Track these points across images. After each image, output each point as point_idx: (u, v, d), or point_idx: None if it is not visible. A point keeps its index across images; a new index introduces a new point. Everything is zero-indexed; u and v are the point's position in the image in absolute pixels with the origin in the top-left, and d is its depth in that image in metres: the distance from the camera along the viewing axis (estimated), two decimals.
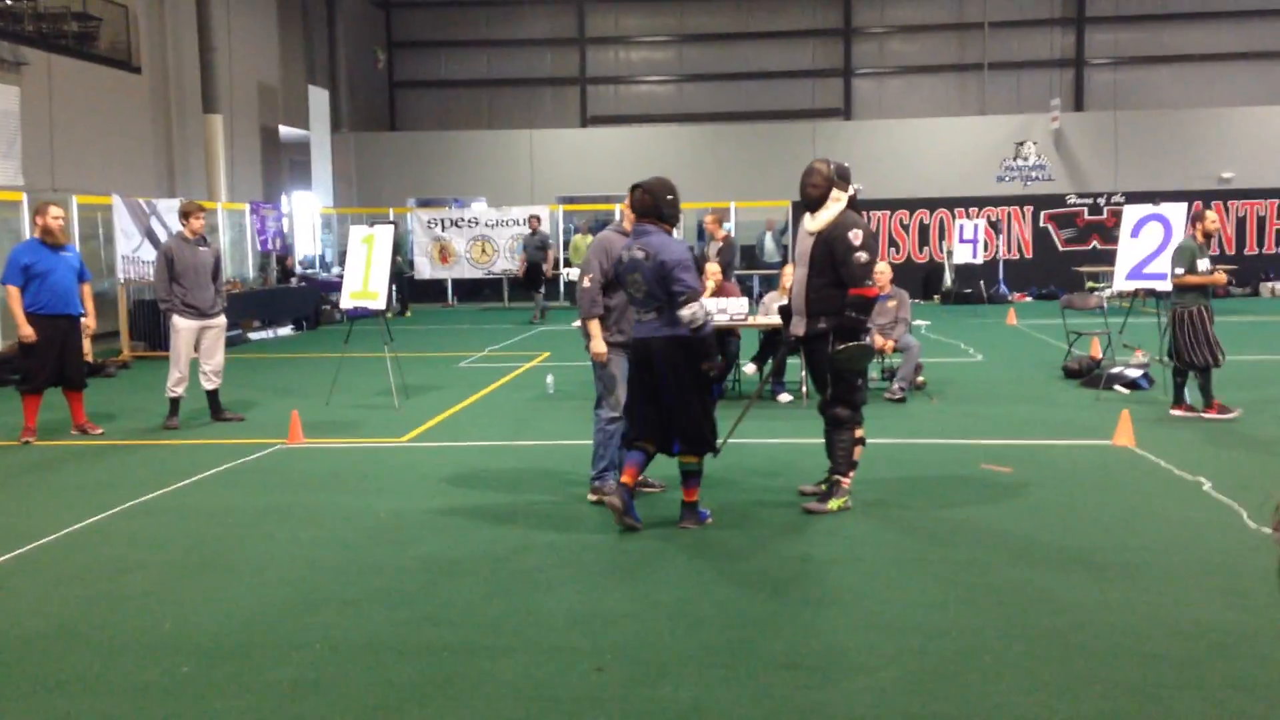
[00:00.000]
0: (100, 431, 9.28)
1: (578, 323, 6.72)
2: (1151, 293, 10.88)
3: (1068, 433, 8.62)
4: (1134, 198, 20.12)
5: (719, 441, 6.15)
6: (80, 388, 9.26)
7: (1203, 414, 9.02)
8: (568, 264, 22.24)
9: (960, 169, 25.70)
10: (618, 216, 7.20)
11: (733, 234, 18.10)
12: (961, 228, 22.18)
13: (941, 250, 23.15)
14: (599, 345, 6.41)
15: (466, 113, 30.29)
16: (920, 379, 10.61)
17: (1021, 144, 25.90)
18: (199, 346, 9.53)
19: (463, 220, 24.15)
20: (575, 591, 5.06)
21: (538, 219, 20.99)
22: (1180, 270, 9.06)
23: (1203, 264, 9.06)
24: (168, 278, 9.40)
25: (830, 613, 4.74)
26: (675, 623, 4.64)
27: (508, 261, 23.18)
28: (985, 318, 18.95)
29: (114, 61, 18.22)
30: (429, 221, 24.08)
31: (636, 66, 30.33)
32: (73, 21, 17.72)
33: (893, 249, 23.25)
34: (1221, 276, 9.62)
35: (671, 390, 5.94)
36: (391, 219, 21.74)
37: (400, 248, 19.26)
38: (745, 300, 10.54)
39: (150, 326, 15.03)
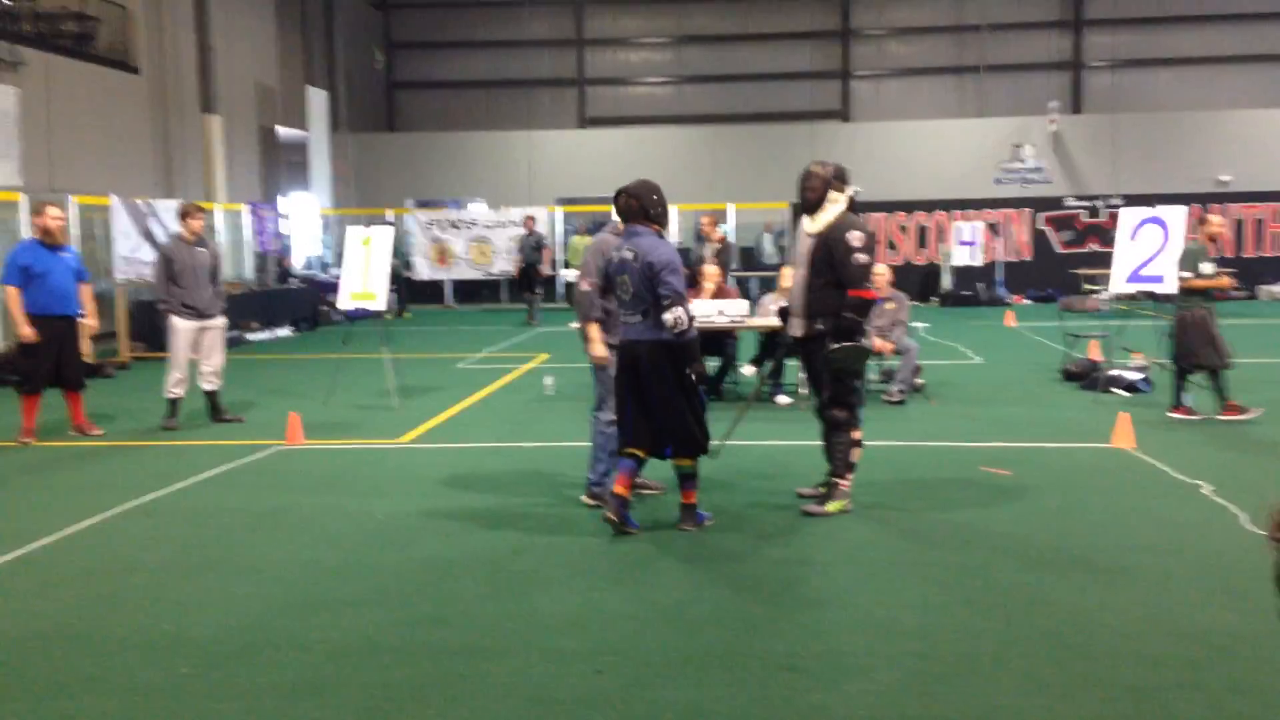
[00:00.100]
0: (99, 432, 9.27)
1: (576, 324, 6.71)
2: (1150, 295, 10.88)
3: (1066, 435, 8.63)
4: (1132, 200, 20.14)
5: (716, 444, 6.15)
6: (79, 388, 9.25)
7: (1219, 416, 9.00)
8: (566, 265, 22.24)
9: (958, 171, 25.73)
10: (615, 218, 7.20)
11: (730, 236, 18.12)
12: (960, 230, 22.21)
13: (940, 252, 23.17)
14: (599, 349, 6.40)
15: (465, 114, 30.30)
16: (919, 381, 10.62)
17: (1019, 146, 25.91)
18: (198, 347, 9.52)
19: (461, 221, 24.15)
20: (574, 593, 5.06)
21: (533, 220, 20.92)
22: (1186, 273, 9.05)
23: (1208, 267, 9.06)
24: (166, 278, 9.39)
25: (829, 615, 4.74)
26: (674, 624, 4.64)
27: (506, 263, 23.17)
28: (984, 320, 18.97)
29: (112, 62, 18.21)
30: (427, 223, 24.08)
31: (635, 68, 30.33)
32: (71, 22, 17.72)
33: (891, 251, 23.25)
34: (1227, 280, 9.63)
35: (658, 394, 5.92)
36: (390, 220, 21.77)
37: (397, 249, 19.23)
38: (745, 302, 10.54)
39: (149, 327, 15.00)
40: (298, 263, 22.90)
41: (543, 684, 4.06)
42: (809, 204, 6.30)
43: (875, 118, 28.61)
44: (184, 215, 9.69)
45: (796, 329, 6.43)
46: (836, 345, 6.22)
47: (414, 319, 21.43)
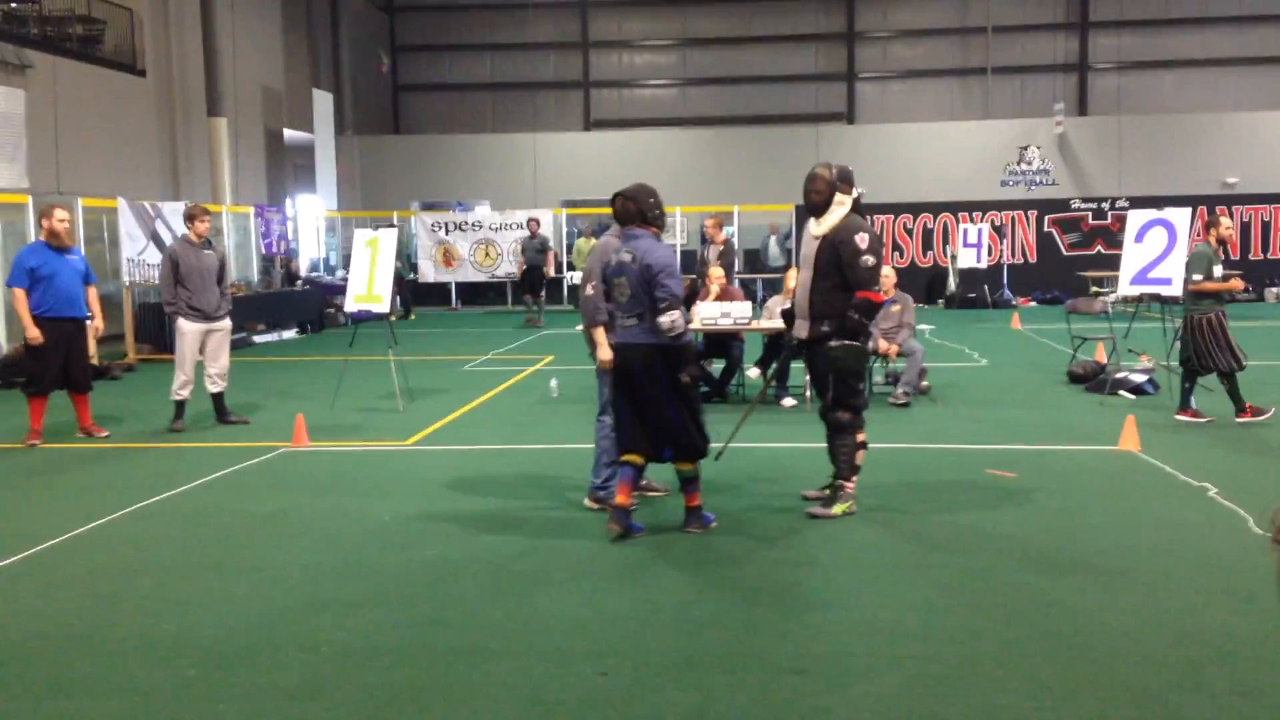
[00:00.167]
0: (105, 434, 9.29)
1: (581, 326, 6.71)
2: (1156, 297, 10.86)
3: (1072, 438, 8.61)
4: (1138, 202, 20.11)
5: (719, 446, 6.13)
6: (86, 390, 9.27)
7: (1237, 419, 8.98)
8: (571, 267, 22.24)
9: (964, 173, 25.70)
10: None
11: (734, 238, 18.10)
12: (965, 232, 22.17)
13: (945, 255, 23.15)
14: (605, 352, 6.38)
15: (470, 116, 30.34)
16: (925, 384, 10.60)
17: (1025, 148, 25.90)
18: (204, 349, 9.54)
19: (466, 223, 24.18)
20: (578, 595, 5.07)
21: (537, 222, 20.83)
22: (1198, 276, 9.00)
23: (1220, 270, 9.02)
24: (173, 281, 9.41)
25: (832, 617, 4.74)
26: (677, 626, 4.64)
27: (511, 265, 23.18)
28: (989, 322, 18.94)
29: (119, 64, 18.25)
30: (432, 225, 24.11)
31: (640, 70, 30.35)
32: (78, 24, 17.76)
33: (896, 253, 23.22)
34: (1239, 283, 9.60)
35: (653, 397, 5.90)
36: (395, 222, 21.80)
37: (401, 251, 19.25)
38: (749, 304, 10.53)
39: (155, 329, 15.04)
40: (303, 265, 22.94)
41: (545, 685, 4.06)
42: (814, 206, 6.29)
43: (880, 120, 28.58)
44: (190, 217, 9.72)
45: (801, 331, 6.42)
46: (835, 343, 6.21)
47: (418, 321, 21.45)
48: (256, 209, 20.54)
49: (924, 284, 22.83)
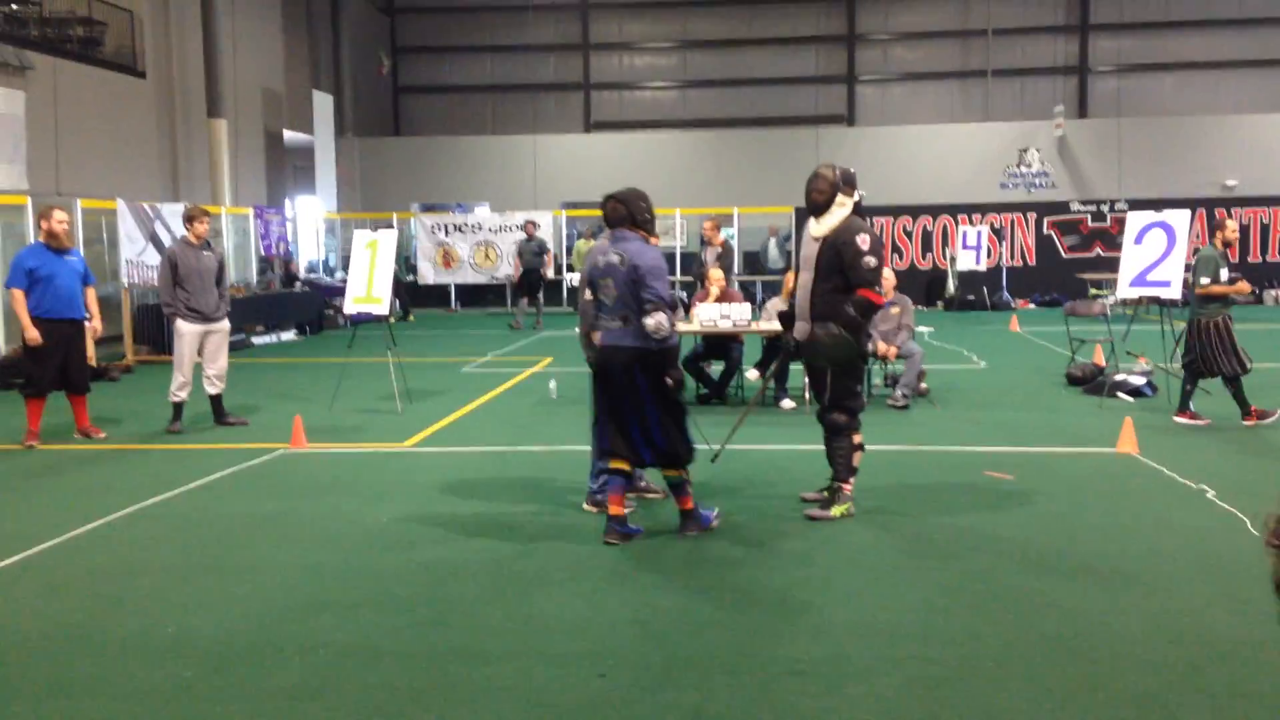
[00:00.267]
0: (103, 436, 9.29)
1: (578, 330, 6.70)
2: (1155, 300, 10.87)
3: (1071, 440, 8.62)
4: (1137, 205, 20.13)
5: (718, 448, 6.12)
6: (84, 392, 9.27)
7: (1245, 422, 8.97)
8: (570, 269, 22.22)
9: (964, 175, 25.71)
10: None
11: (734, 240, 18.10)
12: (965, 234, 22.19)
13: (945, 257, 23.15)
14: None
15: (470, 118, 30.35)
16: (923, 386, 10.60)
17: (1025, 151, 25.91)
18: (202, 351, 9.54)
19: (466, 225, 24.19)
20: (576, 597, 5.07)
21: (534, 224, 20.56)
22: (1206, 279, 8.99)
23: (1224, 273, 9.02)
24: (172, 282, 9.41)
25: (832, 619, 4.74)
26: (677, 629, 4.64)
27: (510, 266, 23.17)
28: (988, 324, 18.95)
29: (119, 66, 18.26)
30: (432, 226, 24.11)
31: (640, 72, 30.36)
32: (78, 26, 17.78)
33: (896, 255, 23.22)
34: (1246, 286, 9.60)
35: (633, 402, 5.87)
36: (395, 224, 21.79)
37: (399, 253, 19.20)
38: (749, 305, 10.53)
39: (154, 331, 15.04)
40: (302, 267, 22.94)
41: (544, 688, 4.06)
42: (816, 206, 6.28)
43: (880, 122, 28.60)
44: (190, 219, 9.72)
45: (801, 333, 6.42)
46: (822, 330, 6.18)
47: (418, 322, 21.45)
48: (256, 210, 20.54)
49: (923, 286, 22.85)
